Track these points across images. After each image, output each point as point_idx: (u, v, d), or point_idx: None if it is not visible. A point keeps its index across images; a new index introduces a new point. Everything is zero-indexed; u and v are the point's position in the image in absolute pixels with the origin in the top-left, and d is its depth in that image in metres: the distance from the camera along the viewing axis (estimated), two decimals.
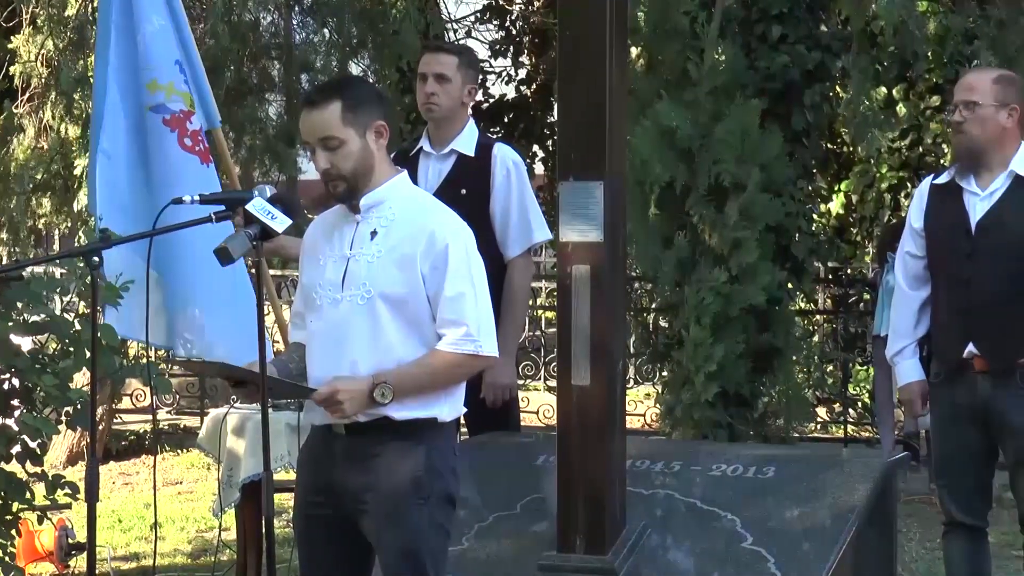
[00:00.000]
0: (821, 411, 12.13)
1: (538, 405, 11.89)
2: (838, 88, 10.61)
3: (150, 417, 12.09)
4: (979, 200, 5.37)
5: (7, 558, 5.79)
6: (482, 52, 14.35)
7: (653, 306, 9.83)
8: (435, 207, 4.29)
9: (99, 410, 10.42)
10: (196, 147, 6.39)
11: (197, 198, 4.31)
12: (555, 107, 12.85)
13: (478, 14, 15.28)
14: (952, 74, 11.19)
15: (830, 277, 13.68)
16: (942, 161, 13.39)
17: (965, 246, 5.36)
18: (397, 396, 4.04)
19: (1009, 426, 5.36)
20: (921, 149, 14.28)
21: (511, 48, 15.34)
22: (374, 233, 4.15)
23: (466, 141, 6.00)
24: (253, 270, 5.07)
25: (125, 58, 6.32)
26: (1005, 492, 6.09)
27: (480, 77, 6.94)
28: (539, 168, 15.55)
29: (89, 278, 4.57)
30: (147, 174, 6.30)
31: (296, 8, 11.16)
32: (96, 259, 4.05)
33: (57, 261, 6.08)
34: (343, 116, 4.11)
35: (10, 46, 9.95)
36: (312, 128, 4.14)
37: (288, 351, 4.39)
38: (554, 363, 7.33)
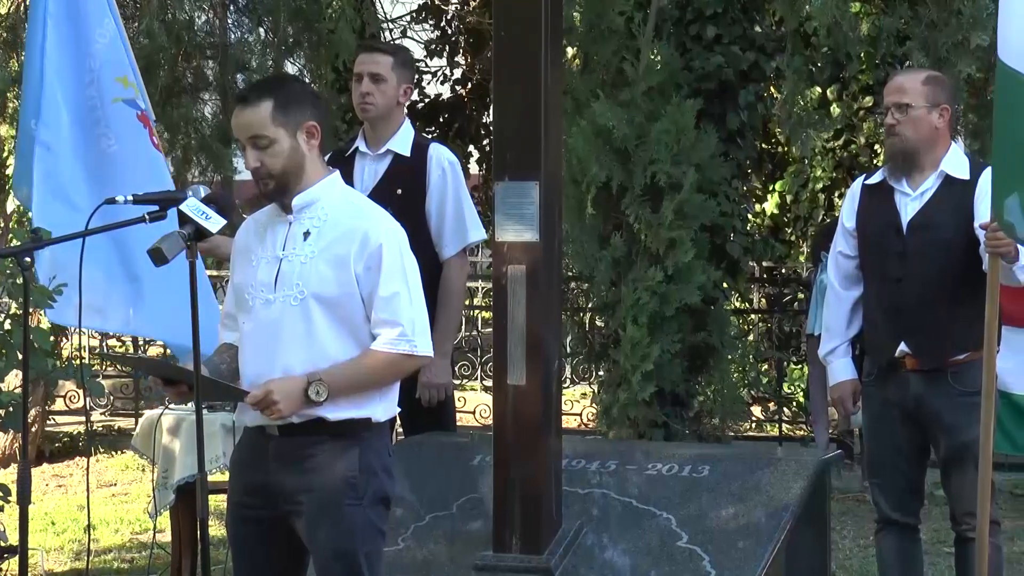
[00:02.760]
0: (756, 410, 12.20)
1: (475, 405, 11.90)
2: (772, 88, 10.66)
3: (83, 419, 12.00)
4: (910, 200, 5.42)
5: None
6: (417, 52, 14.31)
7: (589, 306, 9.84)
8: (368, 207, 4.29)
9: (31, 412, 10.36)
10: (159, 146, 6.46)
11: (131, 198, 4.28)
12: (491, 107, 12.86)
13: (413, 14, 15.25)
14: (885, 75, 11.26)
15: (765, 276, 13.75)
16: (875, 161, 13.48)
17: (896, 246, 5.40)
18: (332, 395, 4.03)
19: (941, 424, 5.41)
20: (854, 149, 14.37)
21: (446, 48, 15.31)
22: (307, 234, 4.15)
23: (402, 141, 6.00)
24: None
25: (68, 50, 6.26)
26: (936, 489, 6.16)
27: (416, 77, 6.93)
28: (474, 168, 15.54)
29: (21, 279, 4.53)
30: (110, 167, 6.25)
31: (231, 7, 11.10)
32: (28, 259, 4.02)
33: None
34: (274, 115, 4.10)
35: None
36: (243, 126, 4.14)
37: (218, 352, 4.36)
38: (490, 363, 7.34)
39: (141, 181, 6.00)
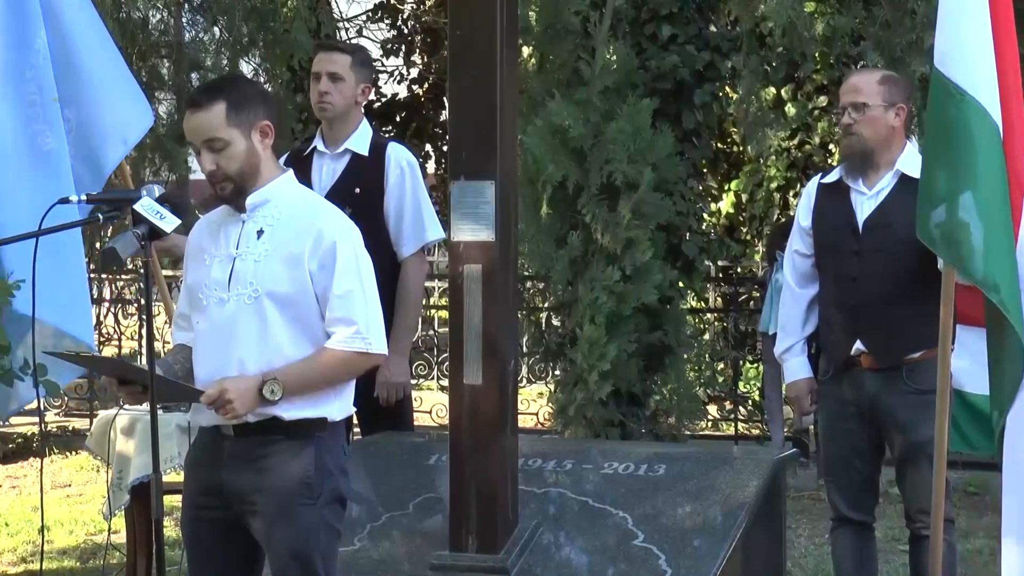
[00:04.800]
0: (712, 409, 12.21)
1: (431, 404, 11.88)
2: (728, 88, 10.71)
3: (37, 419, 11.91)
4: (866, 199, 5.45)
5: None
6: (374, 51, 14.31)
7: (546, 305, 9.85)
8: (321, 206, 4.28)
9: None
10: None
11: (84, 198, 4.25)
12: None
13: (369, 13, 15.25)
14: (839, 75, 11.32)
15: (720, 276, 13.78)
16: (830, 160, 13.54)
17: (852, 245, 5.42)
18: (287, 393, 4.02)
19: (895, 423, 5.43)
20: (809, 149, 14.43)
21: (403, 47, 15.33)
22: (260, 232, 4.13)
23: (360, 140, 6.00)
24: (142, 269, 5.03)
25: (7, 43, 6.23)
26: (891, 488, 6.18)
27: (374, 76, 6.94)
28: (431, 167, 15.55)
29: None
30: (45, 165, 6.21)
31: (186, 6, 11.07)
32: None
33: None
34: (227, 117, 4.08)
35: None
36: (197, 130, 4.12)
37: (172, 353, 4.34)
38: (447, 362, 7.34)
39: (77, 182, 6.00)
